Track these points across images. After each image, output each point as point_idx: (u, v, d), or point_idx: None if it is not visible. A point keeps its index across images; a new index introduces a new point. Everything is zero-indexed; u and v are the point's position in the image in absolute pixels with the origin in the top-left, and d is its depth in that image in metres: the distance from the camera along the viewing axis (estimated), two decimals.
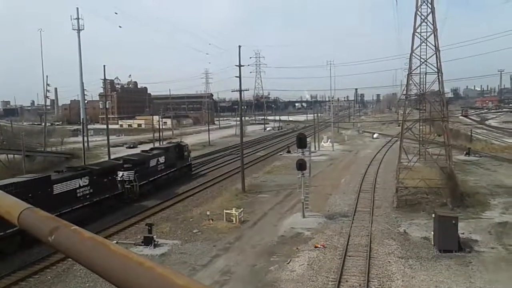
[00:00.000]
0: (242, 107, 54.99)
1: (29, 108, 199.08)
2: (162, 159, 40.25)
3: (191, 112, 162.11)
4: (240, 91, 40.54)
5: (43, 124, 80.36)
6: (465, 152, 53.80)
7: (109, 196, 31.61)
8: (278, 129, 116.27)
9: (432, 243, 22.58)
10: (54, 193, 26.39)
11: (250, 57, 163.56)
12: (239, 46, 38.64)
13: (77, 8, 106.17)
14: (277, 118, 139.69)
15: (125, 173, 34.10)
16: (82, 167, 32.89)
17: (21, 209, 1.80)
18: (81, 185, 28.91)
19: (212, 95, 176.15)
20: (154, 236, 24.25)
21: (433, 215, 23.18)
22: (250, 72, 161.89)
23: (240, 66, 38.47)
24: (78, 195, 28.51)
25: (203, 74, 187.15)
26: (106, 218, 29.42)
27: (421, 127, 37.63)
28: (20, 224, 1.78)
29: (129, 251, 1.28)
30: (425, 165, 37.19)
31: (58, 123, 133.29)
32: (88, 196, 29.34)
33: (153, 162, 38.84)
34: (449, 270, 19.63)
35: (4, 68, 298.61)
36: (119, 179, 33.29)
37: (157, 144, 59.09)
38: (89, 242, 1.37)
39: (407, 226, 26.15)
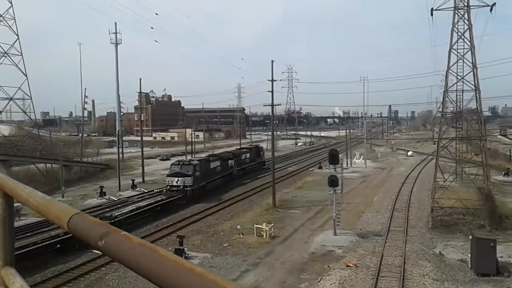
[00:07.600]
0: (274, 122, 55.06)
1: (67, 119, 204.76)
2: (248, 155, 57.28)
3: (223, 125, 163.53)
4: (272, 105, 40.59)
5: (80, 135, 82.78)
6: (503, 173, 51.95)
7: (227, 174, 47.97)
8: (310, 145, 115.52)
9: (469, 266, 21.83)
10: (210, 167, 43.24)
11: (283, 72, 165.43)
12: (272, 61, 38.64)
13: (115, 23, 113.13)
14: (308, 133, 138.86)
15: (230, 161, 49.88)
16: (216, 155, 51.21)
17: (70, 214, 1.85)
18: (217, 165, 45.68)
19: (244, 109, 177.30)
20: (185, 249, 24.44)
21: (470, 237, 22.43)
22: (282, 87, 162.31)
23: (272, 80, 38.65)
24: (217, 170, 45.36)
25: (236, 89, 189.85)
26: (140, 228, 29.87)
27: (457, 146, 36.75)
28: (69, 229, 1.83)
29: (179, 257, 1.29)
30: (461, 185, 36.15)
31: (94, 134, 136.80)
32: (220, 172, 45.96)
33: (243, 156, 55.76)
34: None
35: (45, 80, 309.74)
36: (229, 165, 48.97)
37: (189, 157, 61.15)
38: (139, 247, 1.39)
39: (443, 247, 25.36)
